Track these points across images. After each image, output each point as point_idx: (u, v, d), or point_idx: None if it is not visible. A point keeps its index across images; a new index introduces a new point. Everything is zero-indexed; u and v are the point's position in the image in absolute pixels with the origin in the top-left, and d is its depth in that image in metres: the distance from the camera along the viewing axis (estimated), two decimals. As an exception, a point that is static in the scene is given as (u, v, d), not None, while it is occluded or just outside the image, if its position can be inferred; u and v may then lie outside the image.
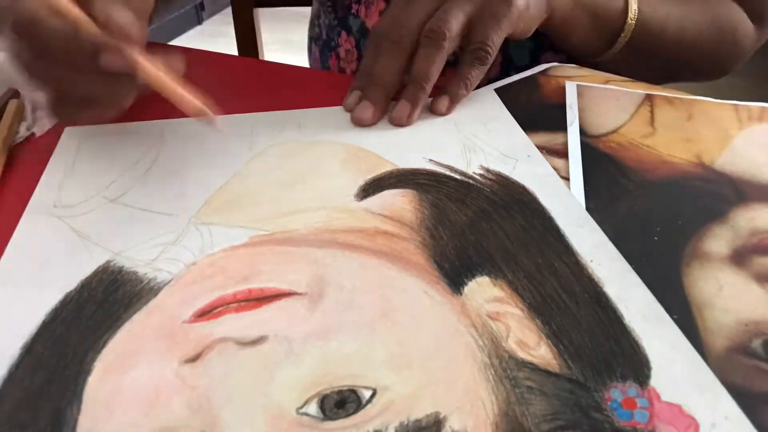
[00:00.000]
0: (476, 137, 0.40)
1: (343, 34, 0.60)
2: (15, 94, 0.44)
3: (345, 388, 0.24)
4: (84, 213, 0.33)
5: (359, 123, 0.41)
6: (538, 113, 0.42)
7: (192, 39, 2.58)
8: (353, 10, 0.58)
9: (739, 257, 0.30)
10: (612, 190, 0.35)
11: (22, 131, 0.41)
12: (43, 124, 0.42)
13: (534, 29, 0.44)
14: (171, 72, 0.33)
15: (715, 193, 0.35)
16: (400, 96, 0.41)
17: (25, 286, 0.29)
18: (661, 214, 0.33)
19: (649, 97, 0.43)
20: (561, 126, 0.40)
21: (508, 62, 0.54)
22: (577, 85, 0.44)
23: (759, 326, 0.26)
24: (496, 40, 0.41)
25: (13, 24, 0.31)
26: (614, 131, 0.40)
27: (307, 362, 0.25)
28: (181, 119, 0.42)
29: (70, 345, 0.26)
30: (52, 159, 0.38)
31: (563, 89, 0.43)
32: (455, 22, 0.40)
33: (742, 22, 0.52)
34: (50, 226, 0.32)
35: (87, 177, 0.36)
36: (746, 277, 0.29)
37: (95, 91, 0.33)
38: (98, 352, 0.25)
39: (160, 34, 2.36)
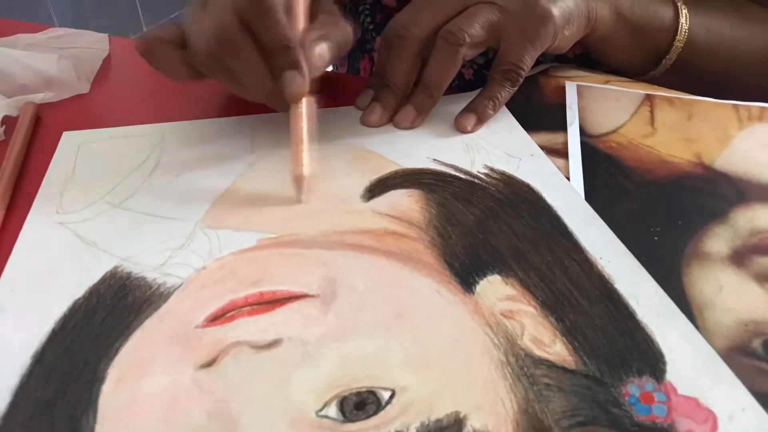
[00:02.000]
0: (478, 137, 0.40)
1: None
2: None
3: (364, 390, 0.23)
4: (87, 219, 0.33)
5: (367, 124, 0.41)
6: (538, 113, 0.42)
7: None
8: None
9: (739, 257, 0.30)
10: (612, 190, 0.35)
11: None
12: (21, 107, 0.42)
13: (570, 46, 0.42)
14: (310, 122, 0.35)
15: (715, 193, 0.35)
16: (407, 99, 0.41)
17: (32, 294, 0.28)
18: (661, 214, 0.33)
19: (649, 97, 0.43)
20: (561, 126, 0.41)
21: None
22: (577, 85, 0.44)
23: (759, 326, 0.27)
24: (528, 61, 0.39)
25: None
26: (614, 131, 0.40)
27: (323, 364, 0.25)
28: (180, 122, 0.42)
29: (81, 353, 0.25)
30: (51, 164, 0.38)
31: (563, 89, 0.44)
32: (477, 29, 0.38)
33: None
34: (54, 232, 0.32)
35: (88, 182, 0.36)
36: (746, 277, 0.29)
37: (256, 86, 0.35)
38: (111, 359, 0.25)
39: None
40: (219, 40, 0.33)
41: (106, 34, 0.54)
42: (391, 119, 0.41)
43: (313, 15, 0.36)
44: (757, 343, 0.26)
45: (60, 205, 0.34)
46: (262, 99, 0.36)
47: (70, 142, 0.40)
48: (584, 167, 0.37)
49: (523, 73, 0.40)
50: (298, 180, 0.34)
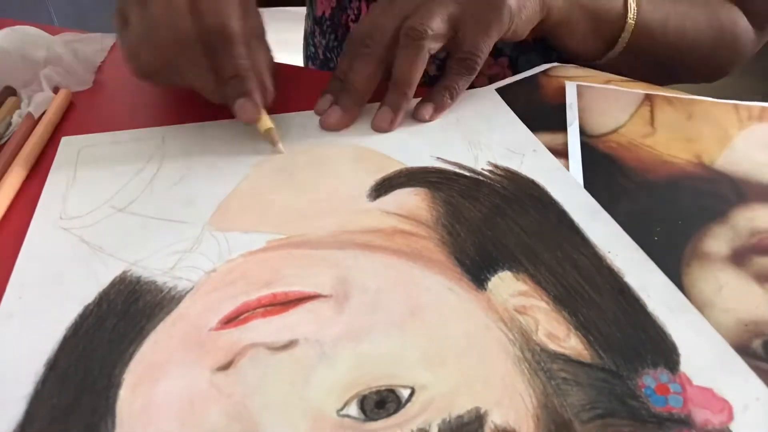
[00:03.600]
0: (480, 134, 0.40)
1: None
2: (12, 91, 0.44)
3: (383, 388, 0.24)
4: (92, 224, 0.33)
5: (327, 128, 0.40)
6: (538, 113, 0.42)
7: None
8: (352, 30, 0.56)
9: (739, 257, 0.30)
10: (612, 190, 0.35)
11: (15, 119, 0.42)
12: (39, 106, 0.42)
13: (527, 32, 0.43)
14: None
15: (715, 193, 0.35)
16: (382, 102, 0.41)
17: (41, 301, 0.28)
18: (661, 214, 0.33)
19: (648, 97, 0.43)
20: (561, 126, 0.41)
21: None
22: (577, 85, 0.44)
23: (759, 326, 0.27)
24: (484, 48, 0.40)
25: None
26: (614, 131, 0.40)
27: (340, 364, 0.25)
28: (179, 125, 0.42)
29: (95, 359, 0.25)
30: (52, 170, 0.37)
31: (563, 89, 0.44)
32: (437, 21, 0.38)
33: (741, 24, 0.51)
34: (59, 238, 0.32)
35: (91, 187, 0.36)
36: (746, 277, 0.29)
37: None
38: (126, 364, 0.25)
39: None
40: (178, 57, 0.36)
41: (113, 34, 0.54)
42: (353, 121, 0.41)
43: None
44: (757, 343, 0.26)
45: (63, 211, 0.34)
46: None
47: (69, 147, 0.39)
48: (584, 167, 0.37)
49: (479, 60, 0.40)
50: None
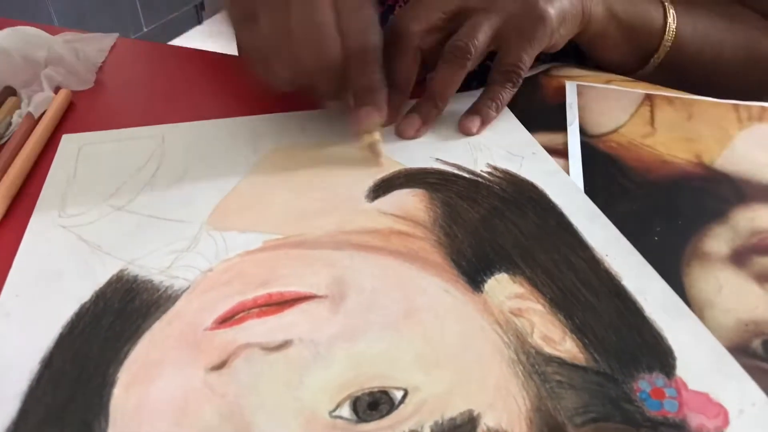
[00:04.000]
0: (481, 136, 0.40)
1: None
2: (12, 91, 0.44)
3: (376, 389, 0.23)
4: (91, 222, 0.33)
5: (362, 127, 0.40)
6: (538, 113, 0.42)
7: (192, 39, 2.57)
8: (395, 13, 0.56)
9: (739, 257, 0.30)
10: (612, 190, 0.35)
11: (15, 119, 0.42)
12: (38, 105, 0.43)
13: (565, 43, 0.43)
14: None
15: (715, 193, 0.35)
16: (412, 108, 0.41)
17: (38, 299, 0.28)
18: (661, 214, 0.33)
19: (649, 97, 0.43)
20: (561, 126, 0.41)
21: None
22: (577, 85, 0.44)
23: (759, 326, 0.27)
24: (527, 60, 0.40)
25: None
26: (614, 131, 0.40)
27: (335, 365, 0.25)
28: (180, 123, 0.42)
29: (90, 357, 0.25)
30: (52, 168, 0.37)
31: (563, 89, 0.44)
32: (481, 40, 0.38)
33: None
34: (57, 236, 0.32)
35: (90, 185, 0.36)
36: (746, 277, 0.29)
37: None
38: (120, 363, 0.25)
39: (161, 34, 2.35)
40: (319, 77, 0.36)
41: (116, 34, 0.54)
42: (396, 118, 0.41)
43: None
44: (757, 343, 0.26)
45: (62, 209, 0.34)
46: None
47: (70, 145, 0.39)
48: (584, 167, 0.37)
49: (522, 73, 0.40)
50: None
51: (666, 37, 0.46)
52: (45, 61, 0.46)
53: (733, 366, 0.24)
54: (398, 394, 0.23)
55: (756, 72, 0.49)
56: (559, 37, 0.41)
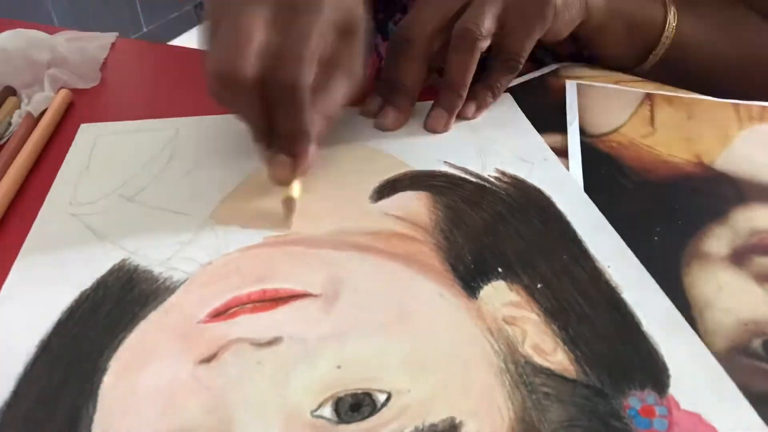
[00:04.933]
0: (492, 140, 0.39)
1: (379, 37, 0.59)
2: (12, 91, 0.45)
3: (360, 391, 0.23)
4: (100, 211, 0.34)
5: (382, 128, 0.41)
6: (538, 113, 0.42)
7: (192, 39, 2.57)
8: (395, 20, 0.57)
9: (739, 257, 0.30)
10: (612, 190, 0.35)
11: (15, 119, 0.42)
12: (38, 105, 0.43)
13: (567, 32, 0.43)
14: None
15: (715, 193, 0.34)
16: (435, 103, 0.41)
17: (41, 284, 0.29)
18: (661, 214, 0.33)
19: (649, 97, 0.43)
20: (561, 126, 0.40)
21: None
22: (577, 85, 0.43)
23: (759, 326, 0.26)
24: (528, 47, 0.40)
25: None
26: (614, 131, 0.40)
27: (321, 364, 0.25)
28: (195, 117, 0.42)
29: (86, 343, 0.26)
30: (68, 156, 0.38)
31: (562, 89, 0.43)
32: (488, 20, 0.38)
33: None
34: (66, 223, 0.33)
35: (102, 175, 0.37)
36: (746, 277, 0.29)
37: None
38: (114, 350, 0.26)
39: (160, 34, 2.36)
40: (232, 89, 0.31)
41: (115, 33, 0.55)
42: (407, 120, 0.41)
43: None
44: (757, 343, 0.26)
45: (74, 197, 0.35)
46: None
47: (87, 134, 0.40)
48: (584, 167, 0.37)
49: (523, 60, 0.40)
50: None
51: (665, 33, 0.45)
52: (48, 63, 0.47)
53: (728, 386, 0.24)
54: (381, 397, 0.23)
55: (757, 72, 0.49)
56: (562, 22, 0.41)
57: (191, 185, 0.35)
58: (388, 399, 0.23)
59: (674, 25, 0.45)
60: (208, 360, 0.25)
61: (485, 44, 0.39)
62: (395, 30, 0.41)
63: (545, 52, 0.50)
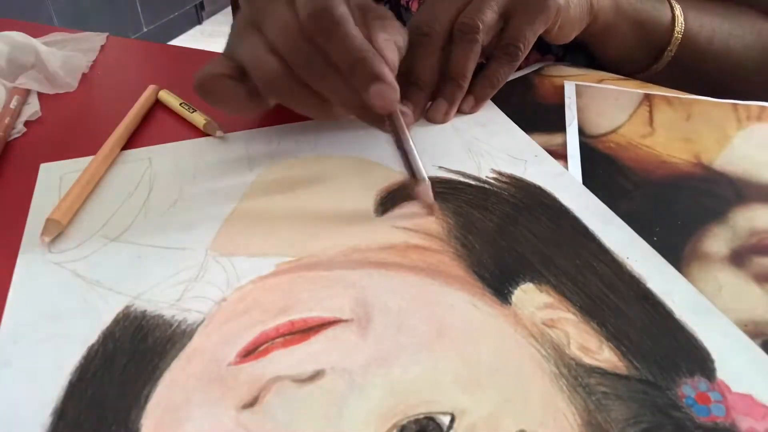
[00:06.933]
0: (479, 140, 0.39)
1: None
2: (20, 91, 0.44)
3: (422, 416, 0.22)
4: (85, 256, 0.31)
5: None
6: (536, 114, 0.42)
7: (192, 39, 2.56)
8: (404, 2, 0.56)
9: (739, 257, 0.30)
10: (611, 191, 0.35)
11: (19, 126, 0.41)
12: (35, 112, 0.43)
13: (574, 34, 0.43)
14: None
15: (714, 193, 0.35)
16: (437, 94, 0.41)
17: (40, 344, 0.26)
18: (660, 214, 0.33)
19: (647, 97, 0.43)
20: (559, 126, 0.40)
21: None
22: (576, 85, 0.44)
23: (759, 326, 0.26)
24: (529, 37, 0.40)
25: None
26: (613, 131, 0.40)
27: (373, 393, 0.23)
28: (166, 144, 0.40)
29: (107, 404, 0.24)
30: (33, 200, 0.35)
31: (560, 89, 0.44)
32: (489, 14, 0.39)
33: None
34: (50, 274, 0.30)
35: (78, 216, 0.34)
36: (746, 277, 0.29)
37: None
38: (142, 408, 0.23)
39: (160, 34, 2.33)
40: (291, 64, 0.31)
41: (106, 33, 0.53)
42: (420, 118, 0.41)
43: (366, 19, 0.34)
44: (756, 343, 0.26)
45: (51, 245, 0.32)
46: (350, 115, 0.34)
47: (50, 174, 0.37)
48: (583, 168, 0.37)
49: (523, 48, 0.40)
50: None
51: (677, 29, 0.46)
52: (31, 67, 0.46)
53: (771, 364, 0.24)
54: (445, 420, 0.22)
55: (767, 62, 0.50)
56: (567, 20, 0.41)
57: (180, 217, 0.33)
58: (452, 420, 0.22)
59: (682, 21, 0.46)
60: (251, 404, 0.23)
61: (486, 37, 0.39)
62: (411, 22, 0.41)
63: (583, 55, 0.51)
